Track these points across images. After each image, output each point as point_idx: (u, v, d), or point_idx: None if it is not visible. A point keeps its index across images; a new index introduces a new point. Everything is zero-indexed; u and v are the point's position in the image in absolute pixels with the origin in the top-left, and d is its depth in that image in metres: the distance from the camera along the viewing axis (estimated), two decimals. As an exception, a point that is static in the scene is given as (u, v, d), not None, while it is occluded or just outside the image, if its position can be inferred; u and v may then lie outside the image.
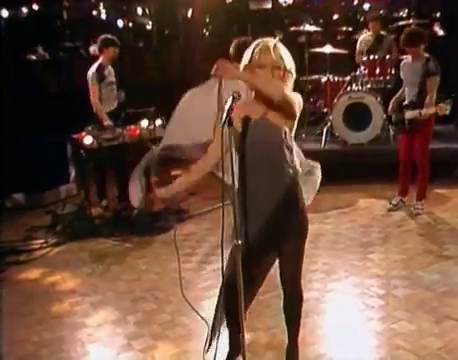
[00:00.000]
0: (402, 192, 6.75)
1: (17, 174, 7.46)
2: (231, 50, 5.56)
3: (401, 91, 6.62)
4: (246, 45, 5.57)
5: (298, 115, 3.10)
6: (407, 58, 6.58)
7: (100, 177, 7.51)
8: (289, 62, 3.16)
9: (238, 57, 5.51)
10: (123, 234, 6.50)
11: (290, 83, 3.20)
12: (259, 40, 3.18)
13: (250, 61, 3.16)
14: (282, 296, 3.45)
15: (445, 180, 7.55)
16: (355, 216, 6.71)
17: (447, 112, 6.05)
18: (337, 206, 7.03)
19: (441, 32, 11.00)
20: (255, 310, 3.69)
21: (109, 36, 7.30)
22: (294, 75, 3.21)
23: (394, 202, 6.77)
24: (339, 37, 11.83)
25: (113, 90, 7.35)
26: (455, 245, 5.62)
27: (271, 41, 3.16)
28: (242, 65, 3.21)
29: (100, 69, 7.13)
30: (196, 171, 3.33)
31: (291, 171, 3.15)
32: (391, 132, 7.99)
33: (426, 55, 6.29)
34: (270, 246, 3.19)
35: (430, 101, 6.17)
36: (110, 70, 7.31)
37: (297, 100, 3.07)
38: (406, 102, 6.42)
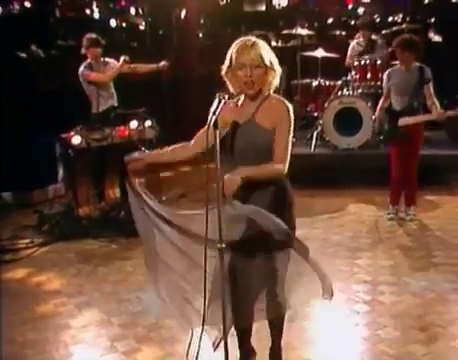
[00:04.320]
0: (397, 202, 6.66)
1: (5, 173, 7.39)
2: None
3: (384, 100, 6.48)
4: None
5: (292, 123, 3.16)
6: (396, 66, 6.53)
7: (98, 178, 7.38)
8: (270, 59, 3.12)
9: None
10: (110, 235, 6.46)
11: (275, 80, 3.18)
12: (238, 39, 3.14)
13: (230, 62, 3.13)
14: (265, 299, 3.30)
15: (435, 187, 7.54)
16: (344, 221, 6.69)
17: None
18: (326, 211, 7.01)
19: (436, 38, 11.03)
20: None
21: (93, 36, 7.10)
22: (279, 71, 3.18)
23: (394, 211, 6.63)
24: (332, 41, 11.87)
25: (106, 89, 7.27)
26: (443, 252, 5.62)
27: (249, 39, 3.10)
28: (224, 67, 3.17)
29: (89, 67, 7.07)
30: (172, 152, 3.43)
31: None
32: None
33: (417, 64, 6.24)
34: (258, 248, 3.10)
35: (435, 104, 6.12)
36: (100, 68, 7.17)
37: (288, 127, 3.13)
38: (397, 109, 6.28)
